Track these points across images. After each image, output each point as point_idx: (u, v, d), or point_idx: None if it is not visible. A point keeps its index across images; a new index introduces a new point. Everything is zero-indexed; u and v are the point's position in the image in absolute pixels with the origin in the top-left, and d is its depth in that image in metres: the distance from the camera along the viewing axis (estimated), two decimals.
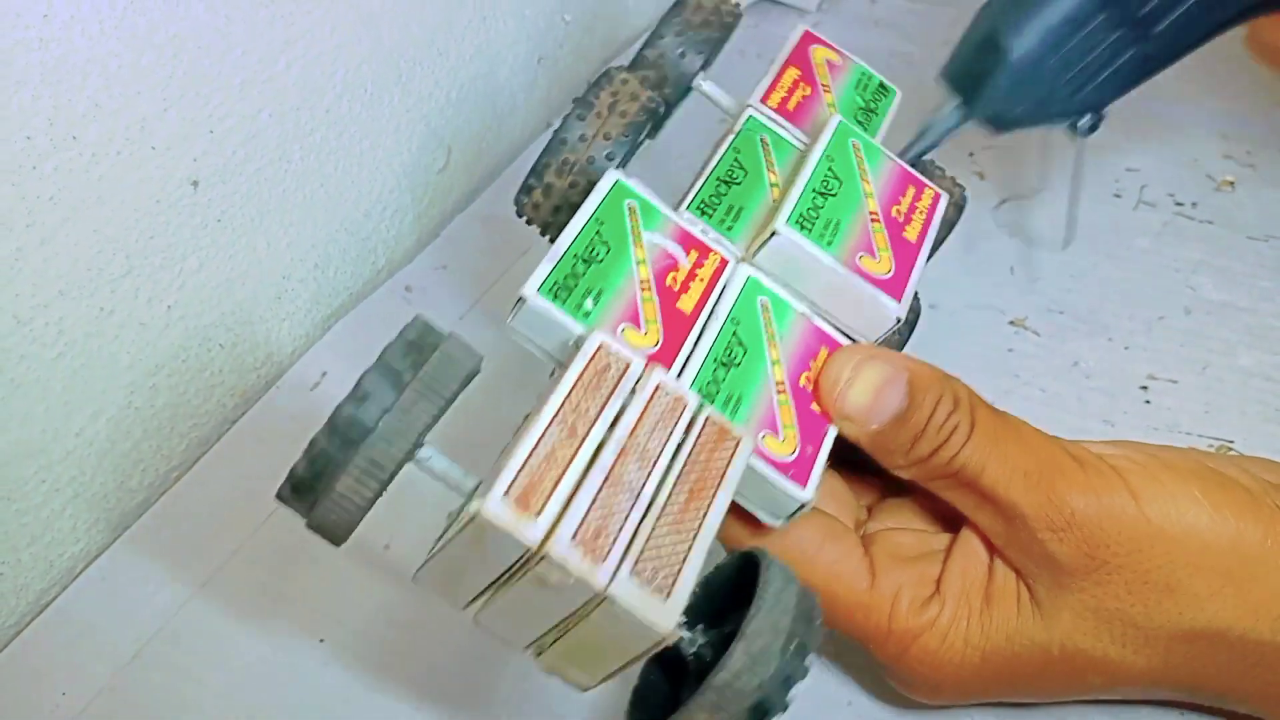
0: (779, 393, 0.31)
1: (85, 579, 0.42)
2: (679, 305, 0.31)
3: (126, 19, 0.39)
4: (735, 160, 0.36)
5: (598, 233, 0.32)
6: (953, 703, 0.36)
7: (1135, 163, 0.54)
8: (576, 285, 0.30)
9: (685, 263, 0.32)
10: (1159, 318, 0.47)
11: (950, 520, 0.35)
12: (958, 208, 0.39)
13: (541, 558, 0.25)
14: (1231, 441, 0.42)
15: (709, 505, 0.27)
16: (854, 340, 0.34)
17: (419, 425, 0.27)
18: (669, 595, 0.26)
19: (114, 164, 0.40)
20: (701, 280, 0.32)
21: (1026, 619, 0.32)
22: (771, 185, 0.35)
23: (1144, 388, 0.45)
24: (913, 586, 0.33)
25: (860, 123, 0.38)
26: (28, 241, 0.38)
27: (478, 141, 0.57)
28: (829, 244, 0.33)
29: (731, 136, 0.36)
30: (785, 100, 0.38)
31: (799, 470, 0.30)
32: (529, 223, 0.36)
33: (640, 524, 0.26)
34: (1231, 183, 0.52)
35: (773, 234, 0.33)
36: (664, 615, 0.25)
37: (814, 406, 0.32)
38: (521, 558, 0.26)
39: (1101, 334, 0.47)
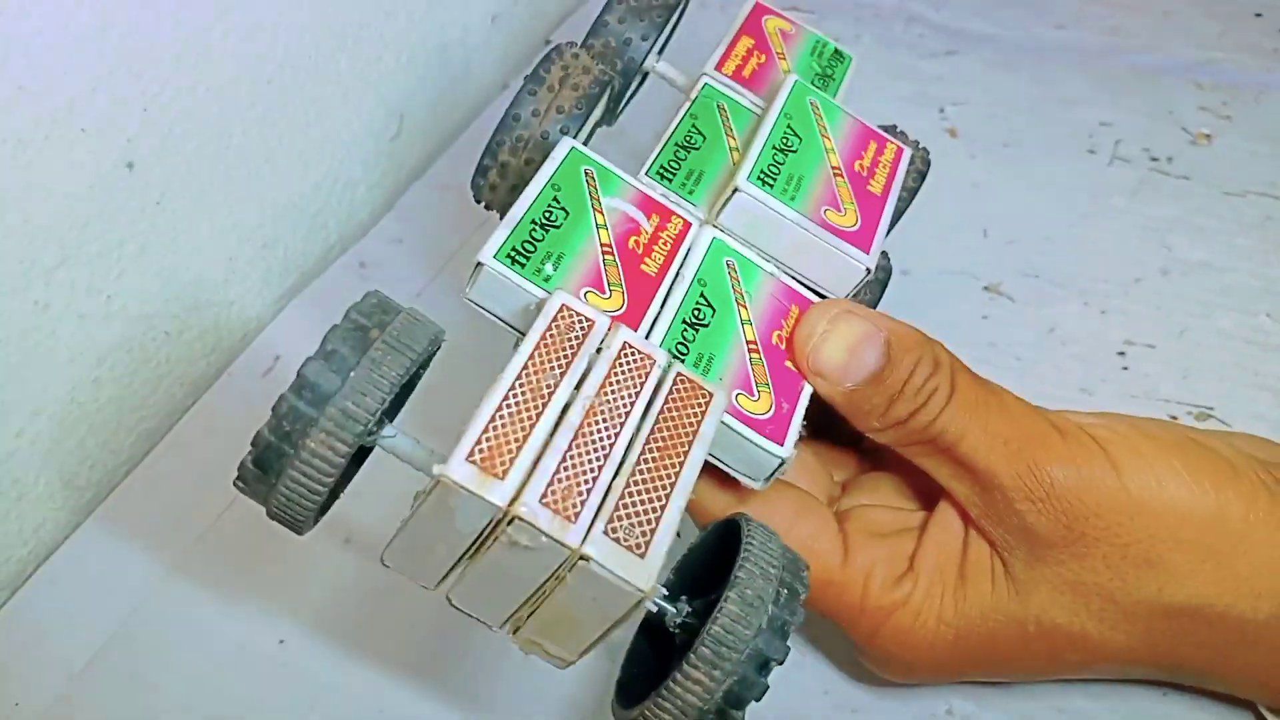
0: (751, 352, 0.31)
1: (34, 583, 0.41)
2: (643, 268, 0.31)
3: None
4: (693, 126, 0.35)
5: (555, 199, 0.31)
6: (928, 682, 0.35)
7: (1108, 116, 0.52)
8: (535, 250, 0.30)
9: (647, 226, 0.32)
10: (1135, 279, 0.46)
11: (926, 497, 0.34)
12: (920, 172, 0.38)
13: (511, 519, 0.25)
14: (1211, 408, 0.41)
15: (682, 462, 0.27)
16: (825, 297, 0.33)
17: (390, 379, 0.26)
18: (645, 553, 0.25)
19: (41, 149, 0.38)
20: (665, 243, 0.32)
21: (1001, 594, 0.31)
22: (731, 149, 0.35)
23: (1121, 354, 0.44)
24: (886, 563, 0.32)
25: (817, 88, 0.37)
26: None
27: (431, 107, 0.55)
28: (792, 199, 0.32)
29: (688, 104, 0.36)
30: (740, 68, 0.37)
31: (775, 428, 0.30)
32: (487, 207, 0.35)
33: (612, 483, 0.26)
34: (1208, 136, 0.51)
35: (734, 191, 0.32)
36: (641, 573, 0.25)
37: (788, 364, 0.31)
38: (491, 522, 0.25)
39: (1077, 298, 0.46)
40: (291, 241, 0.49)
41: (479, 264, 0.29)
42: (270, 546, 0.41)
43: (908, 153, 0.36)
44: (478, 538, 0.26)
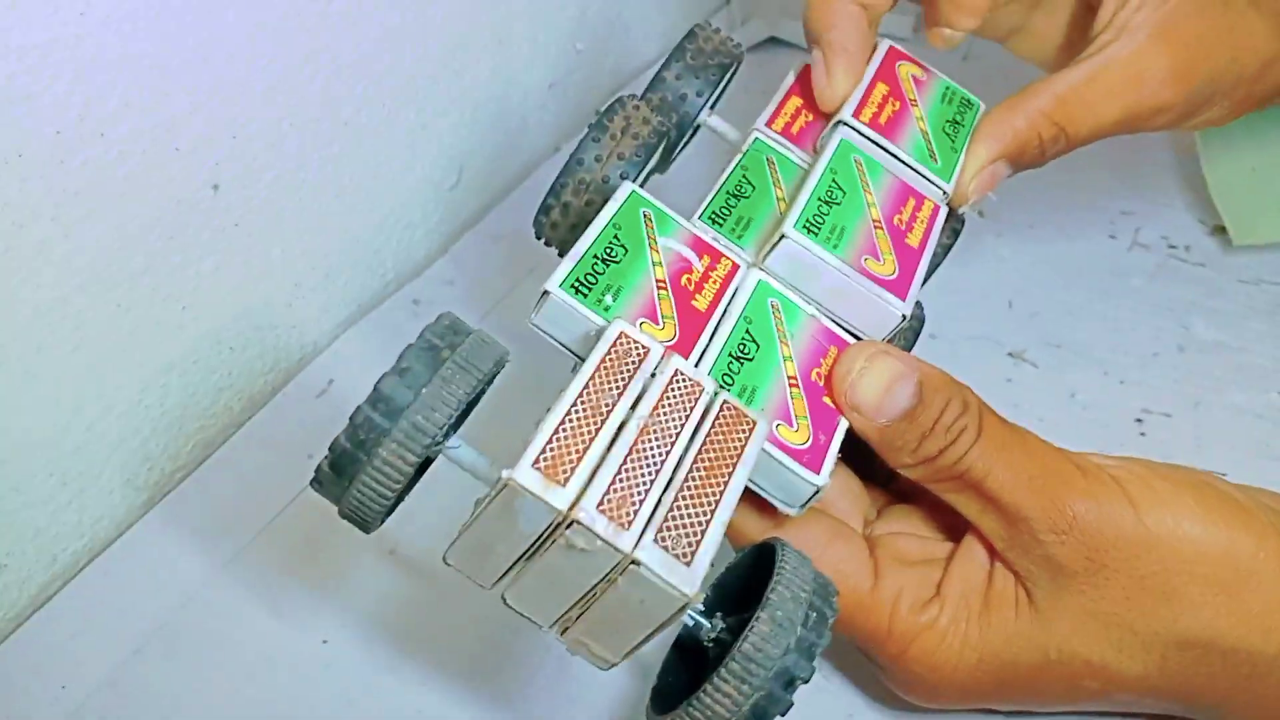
0: (791, 386, 0.33)
1: (88, 573, 0.42)
2: (694, 303, 0.33)
3: (159, 20, 0.40)
4: (743, 177, 0.37)
5: (615, 236, 0.33)
6: (951, 706, 0.36)
7: (1129, 206, 0.55)
8: (597, 282, 0.32)
9: (699, 266, 0.34)
10: (1153, 354, 0.48)
11: (953, 530, 0.35)
12: (955, 230, 0.40)
13: (570, 523, 0.26)
14: (1224, 474, 0.43)
15: (727, 482, 0.29)
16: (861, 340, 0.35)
17: (458, 396, 0.28)
18: (690, 562, 0.27)
19: (139, 163, 0.40)
20: (714, 282, 0.34)
21: (1025, 622, 0.33)
22: (779, 200, 0.37)
23: (1139, 420, 0.46)
24: (914, 589, 0.34)
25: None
26: (52, 234, 0.38)
27: (489, 161, 0.58)
28: (835, 246, 0.34)
29: (739, 156, 0.38)
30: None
31: (813, 457, 0.31)
32: (547, 244, 0.37)
33: (662, 496, 0.28)
34: (1223, 228, 0.54)
35: (781, 237, 0.34)
36: (686, 579, 0.26)
37: (825, 400, 0.33)
38: (550, 524, 0.27)
39: (1097, 368, 0.48)
40: (352, 274, 0.52)
41: (546, 292, 0.31)
42: (316, 553, 0.43)
43: (944, 210, 0.38)
44: (537, 539, 0.27)
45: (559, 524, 0.27)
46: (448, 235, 0.57)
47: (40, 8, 0.36)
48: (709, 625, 0.30)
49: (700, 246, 0.34)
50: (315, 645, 0.40)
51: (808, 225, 0.35)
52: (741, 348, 0.33)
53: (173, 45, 0.40)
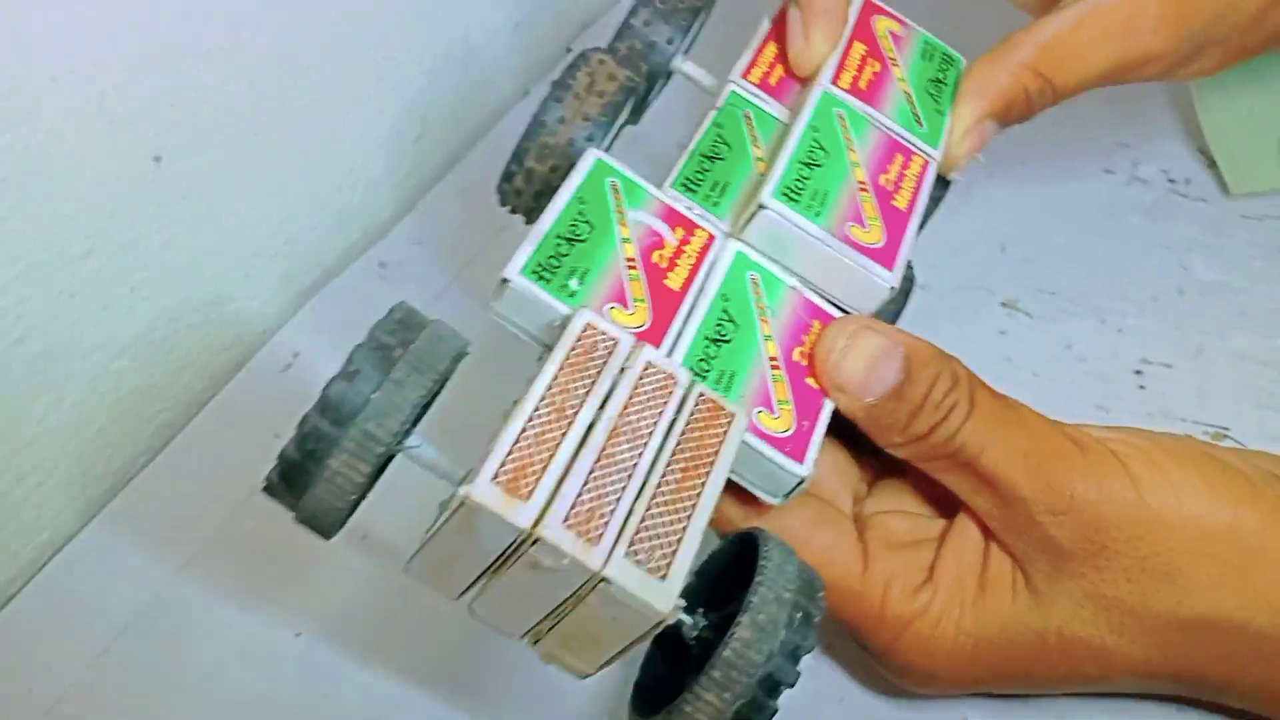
0: (773, 368, 0.31)
1: (52, 569, 0.41)
2: (666, 283, 0.31)
3: None
4: (718, 136, 0.35)
5: (580, 212, 0.31)
6: (946, 693, 0.35)
7: (1126, 137, 0.53)
8: (560, 266, 0.30)
9: (672, 240, 0.32)
10: (1152, 299, 0.46)
11: (947, 504, 0.34)
12: (943, 183, 0.38)
13: (535, 541, 0.25)
14: (1226, 428, 0.42)
15: (704, 484, 0.27)
16: (848, 313, 0.33)
17: (412, 400, 0.26)
18: (665, 575, 0.25)
19: (73, 140, 0.38)
20: (689, 257, 0.31)
21: (1022, 606, 0.32)
22: (757, 160, 0.35)
23: (1138, 372, 0.44)
24: (905, 573, 0.32)
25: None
26: None
27: (454, 111, 0.55)
28: (817, 215, 0.32)
29: (713, 113, 0.36)
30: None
31: (795, 446, 0.30)
32: (512, 211, 0.35)
33: (634, 504, 0.26)
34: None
35: (759, 207, 0.32)
36: (661, 595, 0.25)
37: (809, 381, 0.31)
38: (514, 542, 0.25)
39: (1094, 315, 0.46)
40: (313, 239, 0.50)
41: (505, 280, 0.29)
42: (288, 540, 0.40)
43: (934, 165, 0.36)
44: (500, 556, 0.26)
45: (523, 541, 0.25)
46: (414, 191, 0.54)
47: None
48: (691, 621, 0.28)
49: (673, 218, 0.32)
50: (288, 637, 0.39)
51: (787, 192, 0.32)
52: (719, 329, 0.31)
53: (101, 13, 0.38)
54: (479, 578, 0.27)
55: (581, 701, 0.37)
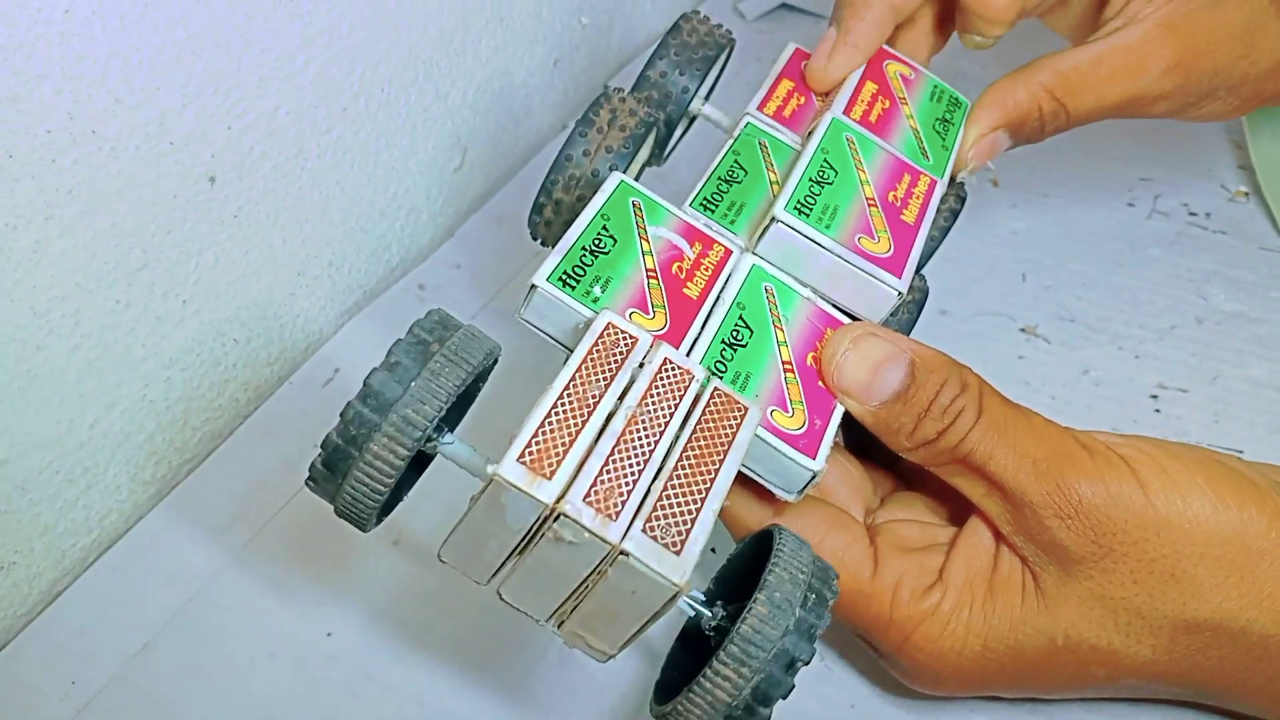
0: (786, 371, 0.32)
1: (97, 569, 0.43)
2: (685, 291, 0.33)
3: (148, 15, 0.39)
4: (735, 161, 0.37)
5: (604, 227, 0.33)
6: (954, 694, 0.36)
7: (1148, 172, 0.54)
8: (585, 274, 0.32)
9: (690, 253, 0.34)
10: (1170, 327, 0.47)
11: (959, 516, 0.35)
12: (953, 212, 0.39)
13: (558, 516, 0.26)
14: (1240, 451, 0.42)
15: (718, 469, 0.28)
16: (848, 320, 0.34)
17: (447, 388, 0.28)
18: (680, 550, 0.27)
19: (133, 159, 0.40)
20: (706, 269, 0.33)
21: (1031, 608, 0.32)
22: (771, 183, 0.36)
23: (1154, 396, 0.45)
24: (915, 575, 0.33)
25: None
26: (46, 234, 0.38)
27: (493, 142, 0.58)
28: (827, 227, 0.34)
29: (731, 140, 0.38)
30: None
31: (808, 442, 0.31)
32: (543, 244, 0.37)
33: (651, 486, 0.27)
34: (1245, 193, 0.52)
35: (772, 220, 0.34)
36: (676, 569, 0.26)
37: (820, 383, 0.32)
38: (539, 518, 0.27)
39: (1112, 342, 0.47)
40: (356, 261, 0.52)
41: (533, 286, 0.31)
42: (322, 545, 0.43)
43: (941, 184, 0.37)
44: (527, 534, 0.27)
45: (546, 517, 0.27)
46: (453, 218, 0.56)
47: (23, 8, 0.36)
48: (709, 614, 0.30)
49: (692, 234, 0.34)
50: (320, 637, 0.40)
51: (799, 206, 0.34)
52: (735, 334, 0.32)
53: (162, 39, 0.40)
54: (507, 559, 0.28)
55: (607, 704, 0.38)
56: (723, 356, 0.32)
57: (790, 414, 0.31)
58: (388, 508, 0.31)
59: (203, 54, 0.41)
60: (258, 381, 0.48)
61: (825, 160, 0.36)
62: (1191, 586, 0.31)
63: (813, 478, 0.31)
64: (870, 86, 0.39)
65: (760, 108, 0.38)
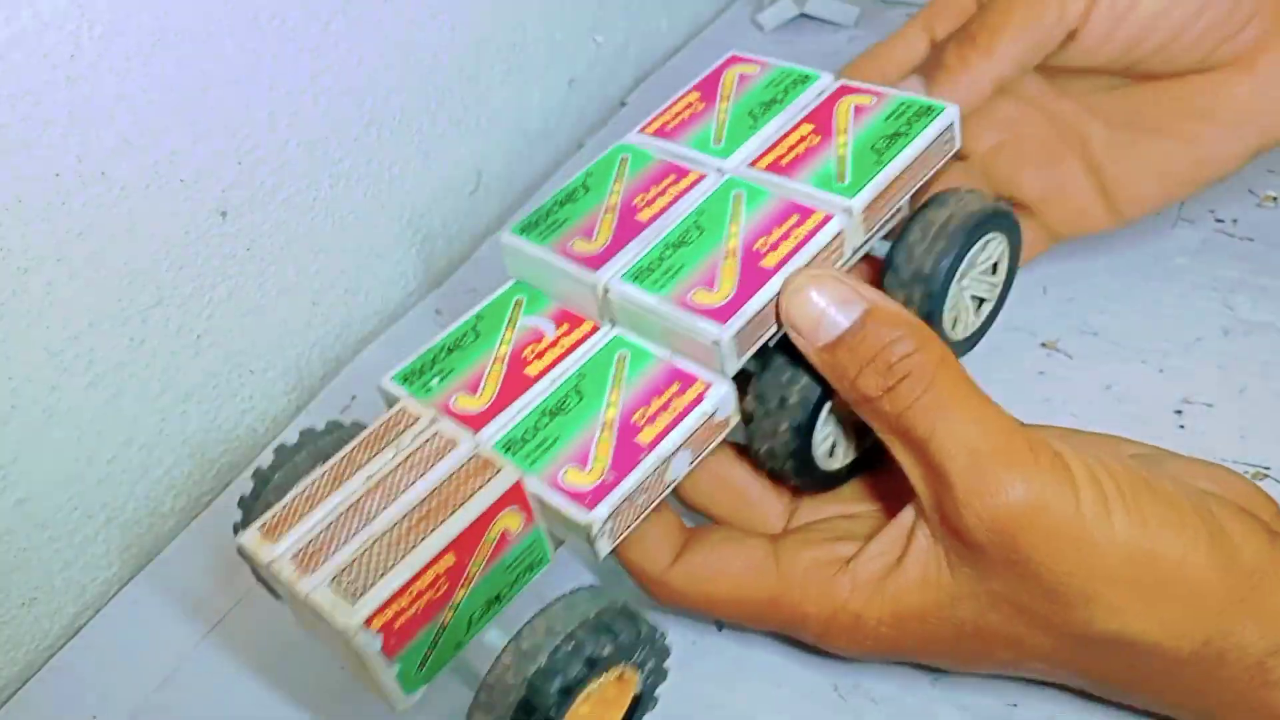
0: (602, 431, 0.32)
1: (117, 603, 0.43)
2: (526, 371, 0.34)
3: (154, 56, 0.40)
4: (695, 222, 0.36)
5: (474, 328, 0.36)
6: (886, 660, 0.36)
7: None
8: (431, 368, 0.35)
9: (551, 334, 0.35)
10: (1195, 339, 0.46)
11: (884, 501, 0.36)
12: (987, 217, 0.37)
13: (271, 574, 0.29)
14: (1268, 468, 0.41)
15: (435, 527, 0.29)
16: (710, 373, 0.33)
17: None
18: (358, 597, 0.28)
19: (143, 198, 0.41)
20: (560, 348, 0.35)
21: (941, 596, 0.32)
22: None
23: (1178, 412, 0.44)
24: (820, 568, 0.33)
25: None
26: (58, 275, 0.39)
27: (509, 164, 0.58)
28: (661, 288, 0.33)
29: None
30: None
31: (594, 495, 0.30)
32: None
33: (362, 544, 0.29)
34: (1274, 198, 0.51)
35: (605, 290, 0.34)
36: (345, 612, 0.28)
37: (637, 439, 0.32)
38: (274, 574, 0.30)
39: (1135, 357, 0.46)
40: (371, 288, 0.52)
41: (378, 385, 0.35)
42: None
43: (837, 218, 0.35)
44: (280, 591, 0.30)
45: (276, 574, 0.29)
46: (469, 242, 0.56)
47: (30, 53, 0.36)
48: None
49: (563, 316, 0.35)
50: (337, 665, 0.40)
51: (637, 274, 0.34)
52: (561, 403, 0.33)
53: (170, 80, 0.40)
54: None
55: None
56: (538, 425, 0.32)
57: (587, 469, 0.31)
58: None
59: (211, 92, 0.42)
60: (275, 412, 0.49)
61: (695, 223, 0.35)
62: (1100, 606, 0.30)
63: (593, 528, 0.30)
64: (805, 128, 0.38)
65: (641, 129, 0.39)
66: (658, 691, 0.33)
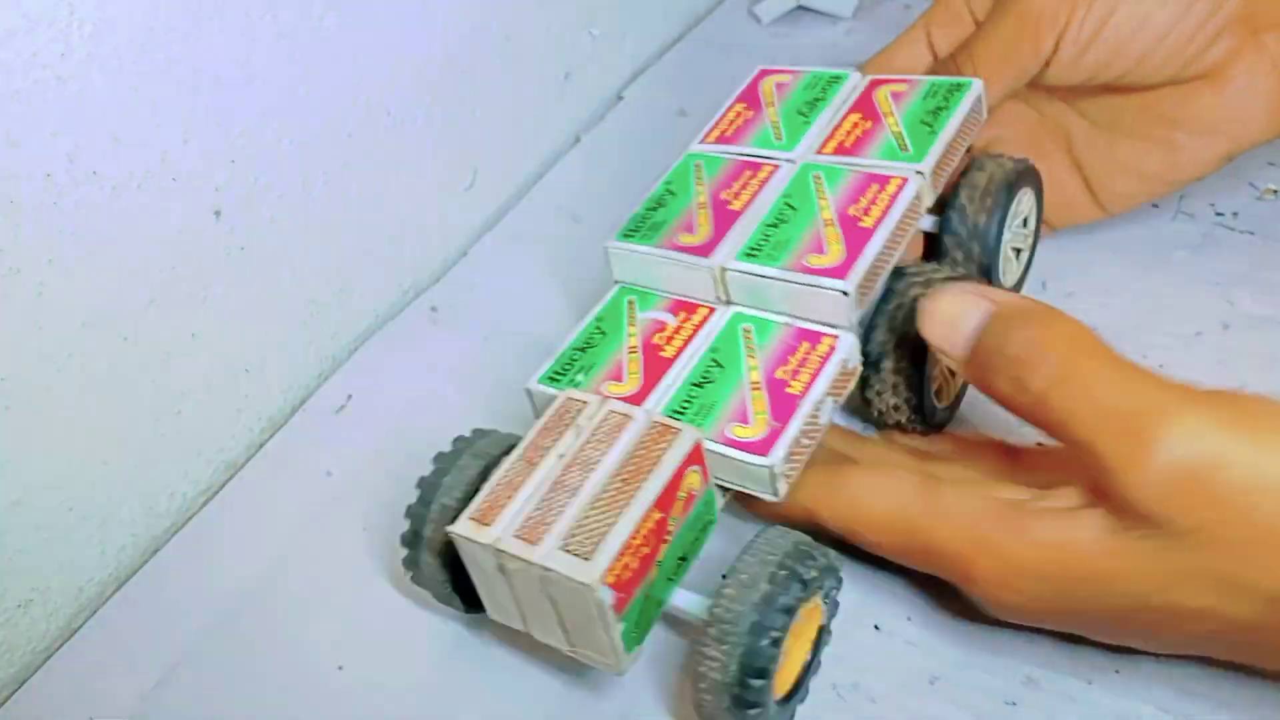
0: (753, 390, 0.35)
1: (113, 604, 0.43)
2: (662, 354, 0.37)
3: (145, 55, 0.39)
4: (786, 204, 0.40)
5: (597, 328, 0.39)
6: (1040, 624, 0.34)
7: None
8: (572, 367, 0.38)
9: (674, 323, 0.39)
10: (1196, 334, 0.46)
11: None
12: (1019, 174, 0.42)
13: (499, 552, 0.31)
14: None
15: (640, 485, 0.32)
16: (834, 327, 0.37)
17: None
18: (591, 556, 0.30)
19: (135, 197, 0.40)
20: (686, 331, 0.38)
21: (1116, 571, 0.30)
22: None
23: None
24: (976, 504, 0.32)
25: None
26: (49, 276, 0.38)
27: (504, 159, 0.57)
28: (773, 260, 0.37)
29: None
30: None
31: (764, 443, 0.34)
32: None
33: (577, 512, 0.31)
34: (1275, 191, 0.50)
35: (723, 271, 0.38)
36: (583, 570, 0.30)
37: (788, 390, 0.35)
38: (495, 559, 0.32)
39: (1136, 352, 0.45)
40: (366, 286, 0.52)
41: (527, 389, 0.38)
42: (335, 576, 0.43)
43: (913, 181, 0.39)
44: (503, 575, 0.32)
45: (497, 554, 0.32)
46: (465, 238, 0.56)
47: (19, 53, 0.36)
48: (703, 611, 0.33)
49: (678, 306, 0.39)
50: (331, 671, 0.40)
51: (749, 252, 0.38)
52: (705, 374, 0.36)
53: (161, 78, 0.40)
54: (511, 601, 0.33)
55: None
56: (690, 396, 0.36)
57: (750, 424, 0.34)
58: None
59: (202, 91, 0.42)
60: (270, 410, 0.49)
61: (786, 204, 0.39)
62: None
63: (771, 471, 0.33)
64: (853, 117, 0.42)
65: (703, 140, 0.43)
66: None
